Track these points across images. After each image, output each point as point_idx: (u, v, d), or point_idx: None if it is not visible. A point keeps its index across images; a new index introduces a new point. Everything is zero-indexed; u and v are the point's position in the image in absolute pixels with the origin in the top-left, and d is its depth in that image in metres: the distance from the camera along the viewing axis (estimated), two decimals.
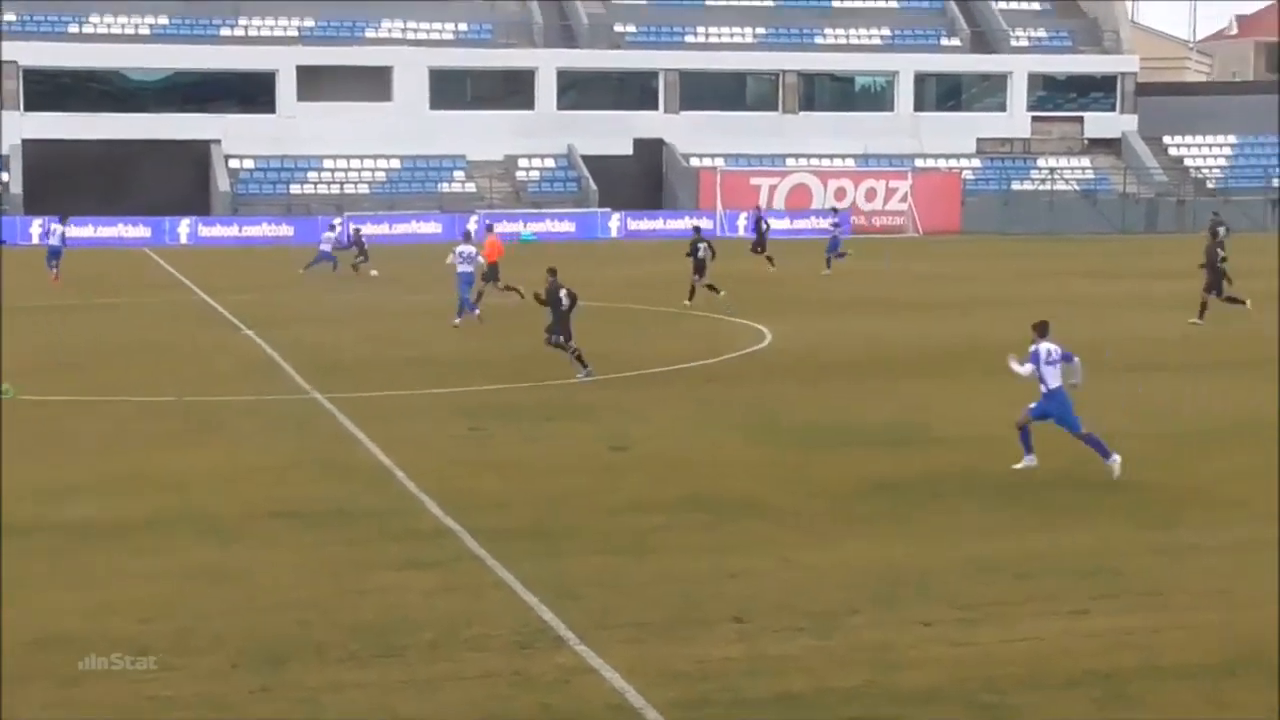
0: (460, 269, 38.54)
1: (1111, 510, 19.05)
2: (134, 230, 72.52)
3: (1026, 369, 21.15)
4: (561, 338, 29.96)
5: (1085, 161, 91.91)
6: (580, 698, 12.86)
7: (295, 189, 79.22)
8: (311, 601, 15.32)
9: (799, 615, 14.82)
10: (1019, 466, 21.21)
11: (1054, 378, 21.01)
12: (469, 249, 38.95)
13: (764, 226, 58.59)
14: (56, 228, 53.98)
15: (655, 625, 14.58)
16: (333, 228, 57.27)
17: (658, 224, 79.93)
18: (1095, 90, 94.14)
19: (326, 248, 53.79)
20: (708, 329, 37.80)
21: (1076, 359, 21.41)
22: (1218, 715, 12.35)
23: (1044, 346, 21.08)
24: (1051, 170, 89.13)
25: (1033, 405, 21.27)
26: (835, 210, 66.28)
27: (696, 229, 48.23)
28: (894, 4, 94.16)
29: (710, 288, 43.68)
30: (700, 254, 44.02)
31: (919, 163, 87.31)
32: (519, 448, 23.09)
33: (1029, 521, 18.48)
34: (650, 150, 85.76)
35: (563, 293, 29.89)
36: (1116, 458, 20.75)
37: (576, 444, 23.29)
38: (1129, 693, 12.73)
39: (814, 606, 15.12)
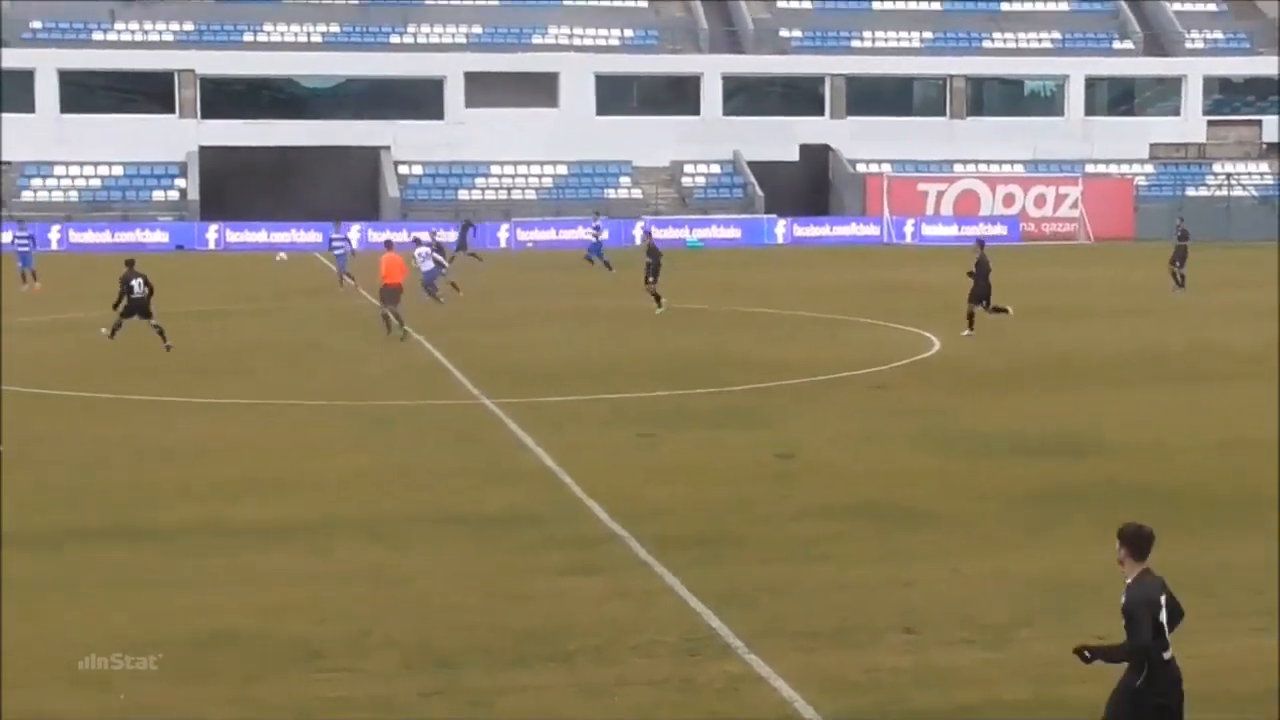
0: (424, 266, 44.73)
1: None
2: (306, 235, 73.61)
3: None
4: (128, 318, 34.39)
5: (1264, 167, 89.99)
6: (749, 706, 12.81)
7: (464, 194, 79.97)
8: (480, 606, 15.42)
9: (969, 626, 14.65)
10: None
11: None
12: (425, 249, 45.54)
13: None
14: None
15: (824, 634, 14.49)
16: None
17: (824, 230, 79.64)
18: (1274, 93, 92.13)
19: (429, 265, 46.05)
20: (875, 336, 37.56)
21: None
22: None
23: None
24: (1228, 176, 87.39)
25: None
26: (596, 214, 67.19)
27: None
28: (1064, 6, 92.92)
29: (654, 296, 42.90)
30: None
31: (1090, 168, 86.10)
32: (687, 454, 23.07)
33: (1201, 535, 18.09)
34: (816, 156, 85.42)
35: (136, 282, 34.46)
36: None
37: (744, 451, 23.21)
38: None
39: (984, 618, 14.93)
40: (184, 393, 28.84)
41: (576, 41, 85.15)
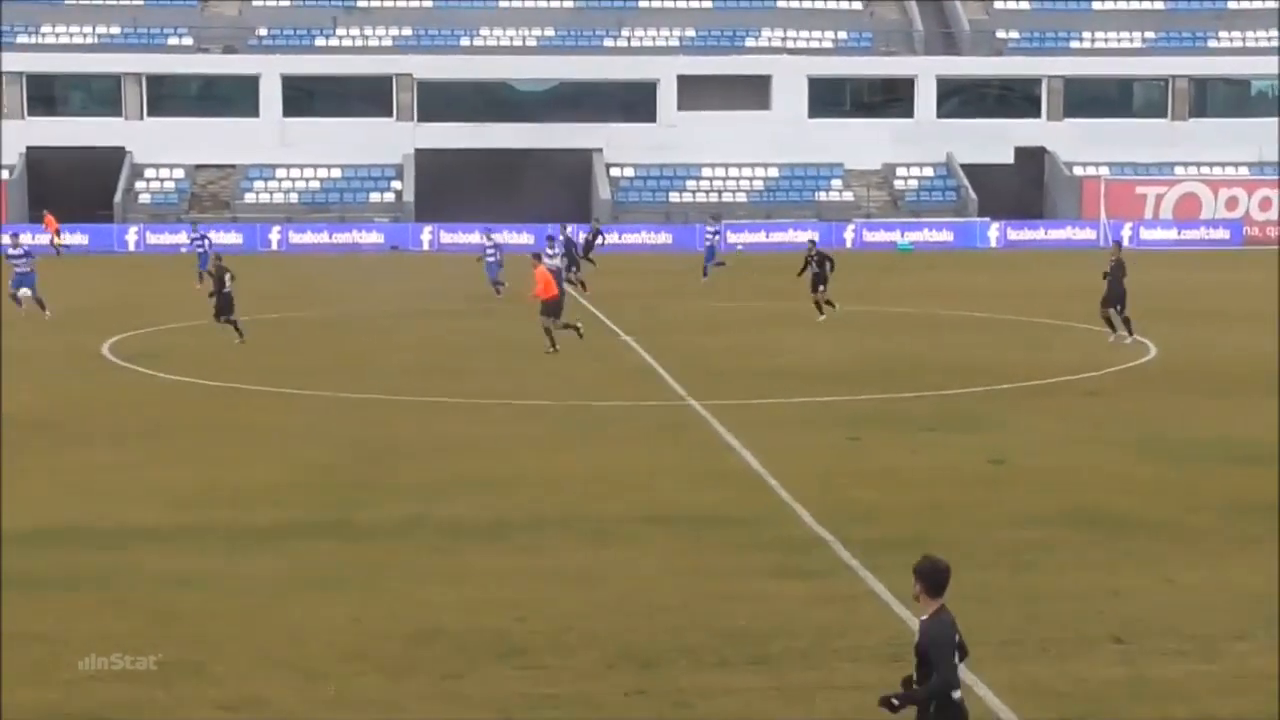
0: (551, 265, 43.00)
1: None
2: (519, 238, 74.29)
3: None
4: (225, 316, 36.60)
5: None
6: None
7: (674, 197, 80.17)
8: (684, 606, 15.42)
9: (1183, 638, 14.31)
10: None
11: None
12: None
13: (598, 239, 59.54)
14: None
15: (1032, 643, 14.26)
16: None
17: (1039, 234, 78.44)
18: None
19: (555, 263, 44.66)
20: (1089, 341, 36.89)
21: None
22: None
23: None
24: None
25: None
26: (715, 218, 64.76)
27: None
28: None
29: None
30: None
31: None
32: (895, 458, 22.86)
33: None
34: (1032, 158, 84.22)
35: (227, 276, 36.93)
36: None
37: (954, 456, 22.93)
38: None
39: (1199, 629, 14.57)
40: (397, 391, 29.28)
41: (790, 44, 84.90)
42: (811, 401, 28.17)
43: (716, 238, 58.79)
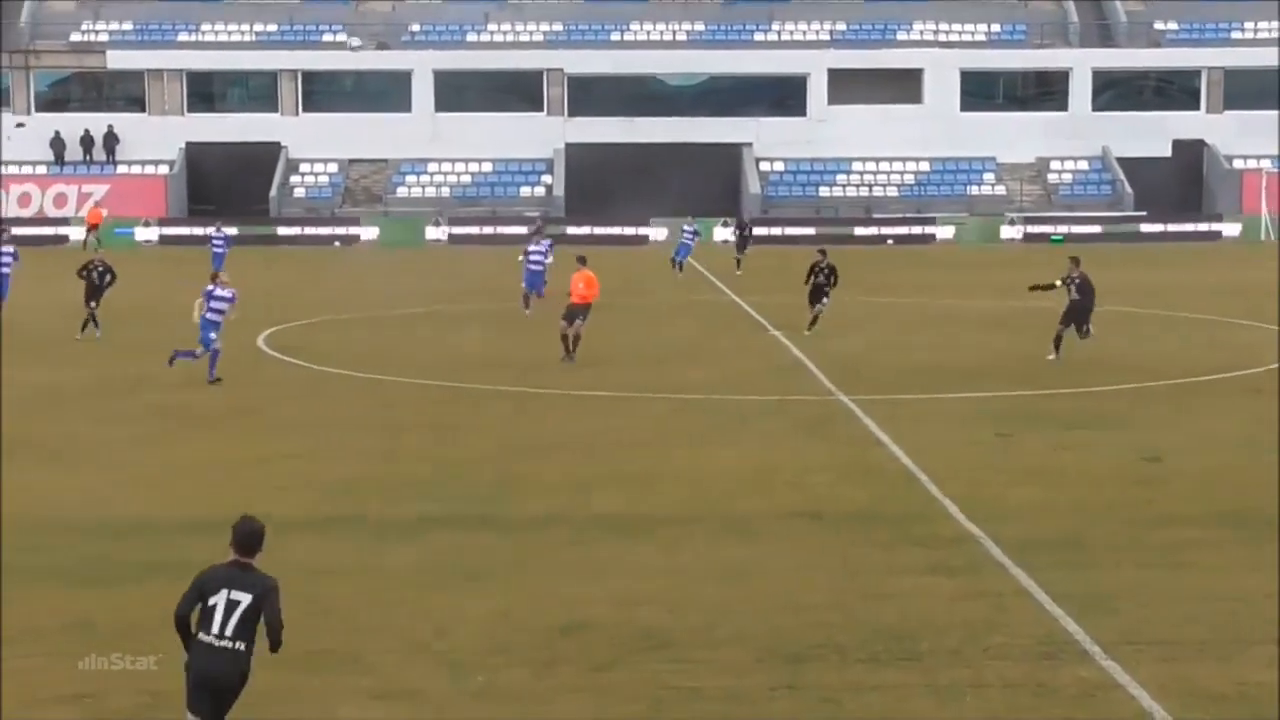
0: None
1: None
2: (666, 233, 74.37)
3: None
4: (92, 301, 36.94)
5: None
6: (1105, 713, 12.48)
7: (824, 191, 79.85)
8: (833, 602, 15.33)
9: None
10: None
11: None
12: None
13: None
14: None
15: (1188, 644, 14.01)
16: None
17: (1197, 228, 77.13)
18: None
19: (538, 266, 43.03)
20: (1250, 338, 36.21)
21: None
22: None
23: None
24: None
25: None
26: (692, 219, 60.24)
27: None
28: None
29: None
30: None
31: None
32: (1047, 455, 22.57)
33: None
34: (1190, 152, 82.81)
35: (97, 272, 37.00)
36: None
37: (1107, 453, 22.60)
38: None
39: None
40: (546, 384, 29.40)
41: (942, 37, 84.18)
42: (961, 397, 27.90)
43: (696, 239, 57.14)
